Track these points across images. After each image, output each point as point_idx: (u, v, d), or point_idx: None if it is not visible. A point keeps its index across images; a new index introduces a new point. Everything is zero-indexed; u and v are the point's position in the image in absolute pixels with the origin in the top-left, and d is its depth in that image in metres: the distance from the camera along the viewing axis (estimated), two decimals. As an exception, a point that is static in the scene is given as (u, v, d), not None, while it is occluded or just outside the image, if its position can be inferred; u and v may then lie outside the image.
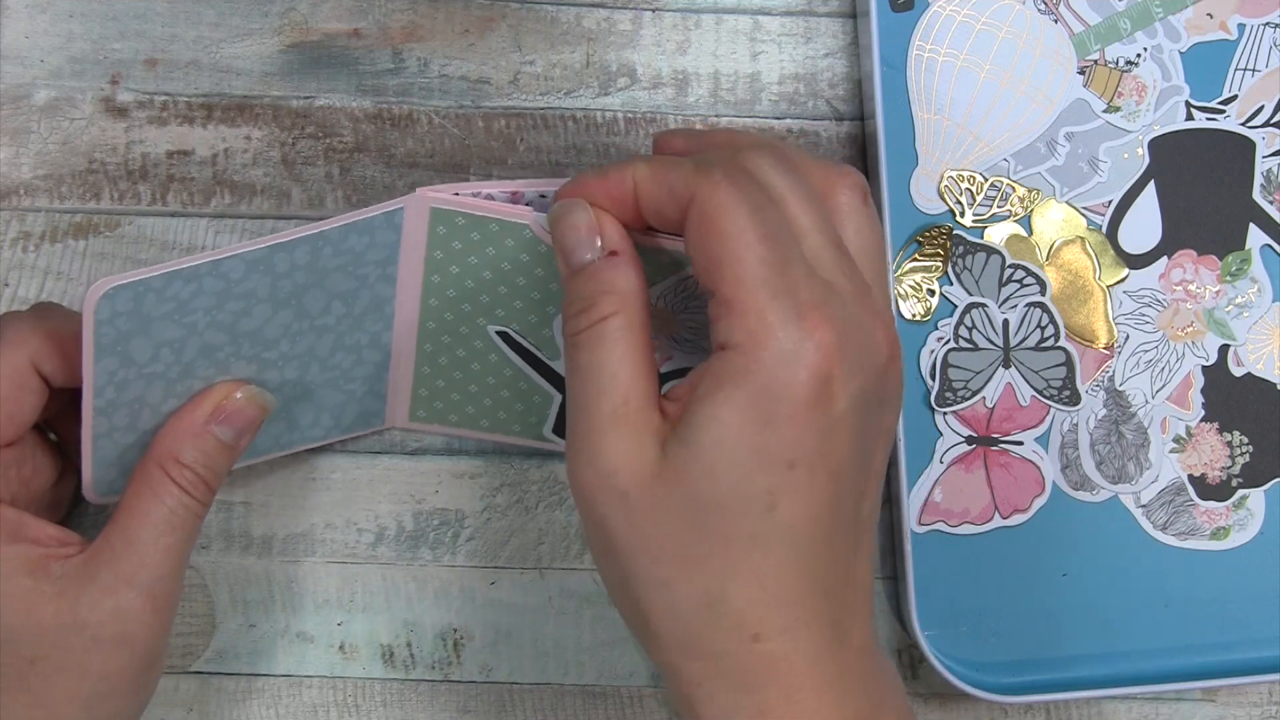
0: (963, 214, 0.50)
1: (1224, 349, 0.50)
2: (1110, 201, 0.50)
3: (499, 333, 0.45)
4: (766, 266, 0.36)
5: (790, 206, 0.37)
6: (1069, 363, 0.50)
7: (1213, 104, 0.51)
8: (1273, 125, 0.51)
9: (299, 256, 0.41)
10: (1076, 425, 0.50)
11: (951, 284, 0.50)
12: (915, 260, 0.50)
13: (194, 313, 0.41)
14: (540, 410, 0.47)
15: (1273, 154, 0.51)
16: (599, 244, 0.38)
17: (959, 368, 0.50)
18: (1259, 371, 0.50)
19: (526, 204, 0.43)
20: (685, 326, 0.44)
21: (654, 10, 0.51)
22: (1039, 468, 0.50)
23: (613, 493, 0.36)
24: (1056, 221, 0.50)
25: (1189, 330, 0.50)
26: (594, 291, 0.38)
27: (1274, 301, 0.51)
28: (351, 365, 0.45)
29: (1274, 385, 0.50)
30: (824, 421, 0.36)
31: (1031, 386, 0.50)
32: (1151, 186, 0.51)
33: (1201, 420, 0.50)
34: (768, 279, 0.36)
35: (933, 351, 0.50)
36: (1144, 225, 0.50)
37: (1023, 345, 0.50)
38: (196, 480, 0.42)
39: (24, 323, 0.42)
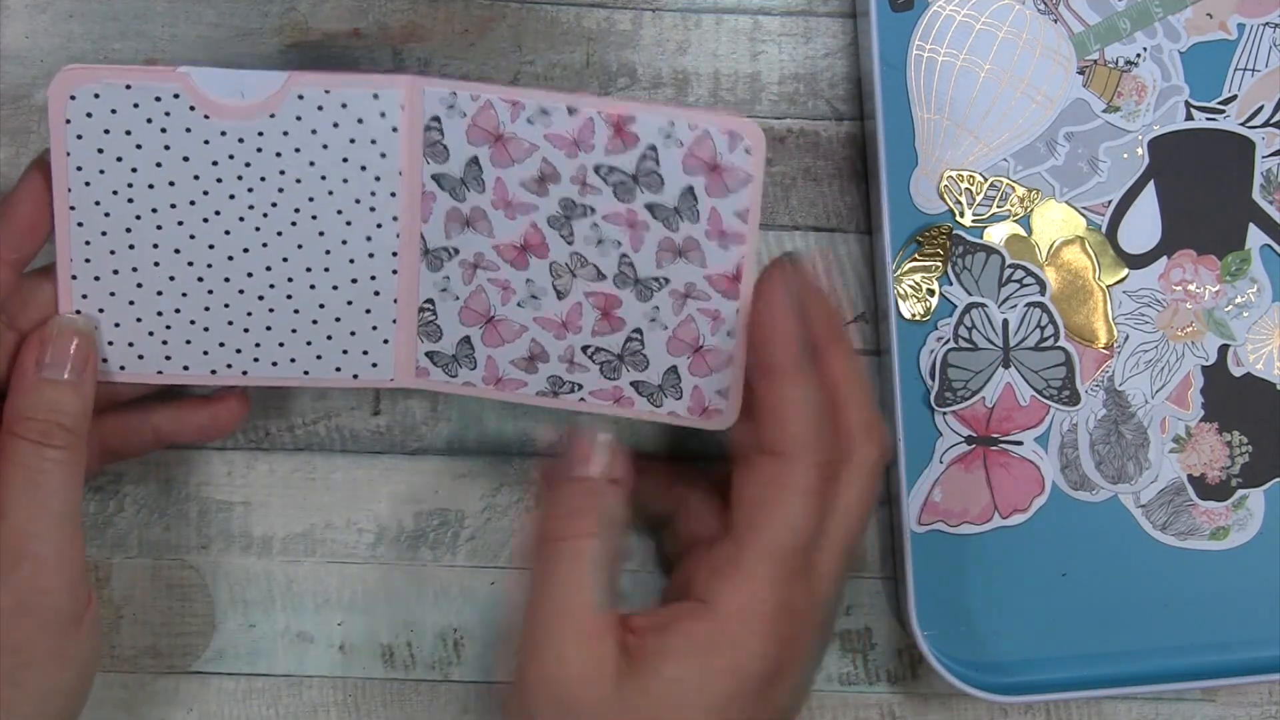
0: (962, 214, 0.50)
1: (1224, 349, 0.50)
2: (1110, 201, 0.51)
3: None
4: (786, 555, 0.38)
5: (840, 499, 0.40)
6: (1069, 363, 0.50)
7: (1212, 104, 0.51)
8: (1272, 125, 0.51)
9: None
10: (1076, 425, 0.50)
11: (951, 284, 0.50)
12: (915, 260, 0.50)
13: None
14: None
15: (1272, 154, 0.51)
16: (606, 467, 0.40)
17: (958, 367, 0.50)
18: (1258, 371, 0.50)
19: (527, 118, 0.43)
20: None
21: (654, 10, 0.51)
22: (1039, 468, 0.50)
23: (560, 706, 0.37)
24: (1056, 221, 0.50)
25: (1189, 330, 0.50)
26: (583, 508, 0.40)
27: (1274, 301, 0.51)
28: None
29: (1273, 385, 0.50)
30: (768, 709, 0.38)
31: (1031, 386, 0.50)
32: (1151, 186, 0.51)
33: (1201, 420, 0.50)
34: (778, 571, 0.38)
35: (932, 351, 0.50)
36: (1144, 225, 0.51)
37: (1022, 345, 0.50)
38: (47, 427, 0.40)
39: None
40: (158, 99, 0.42)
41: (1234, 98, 0.51)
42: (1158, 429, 0.50)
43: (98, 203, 0.43)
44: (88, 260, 0.43)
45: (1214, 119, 0.51)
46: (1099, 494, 0.50)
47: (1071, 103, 0.50)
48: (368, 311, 0.45)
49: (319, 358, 0.45)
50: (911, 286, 0.50)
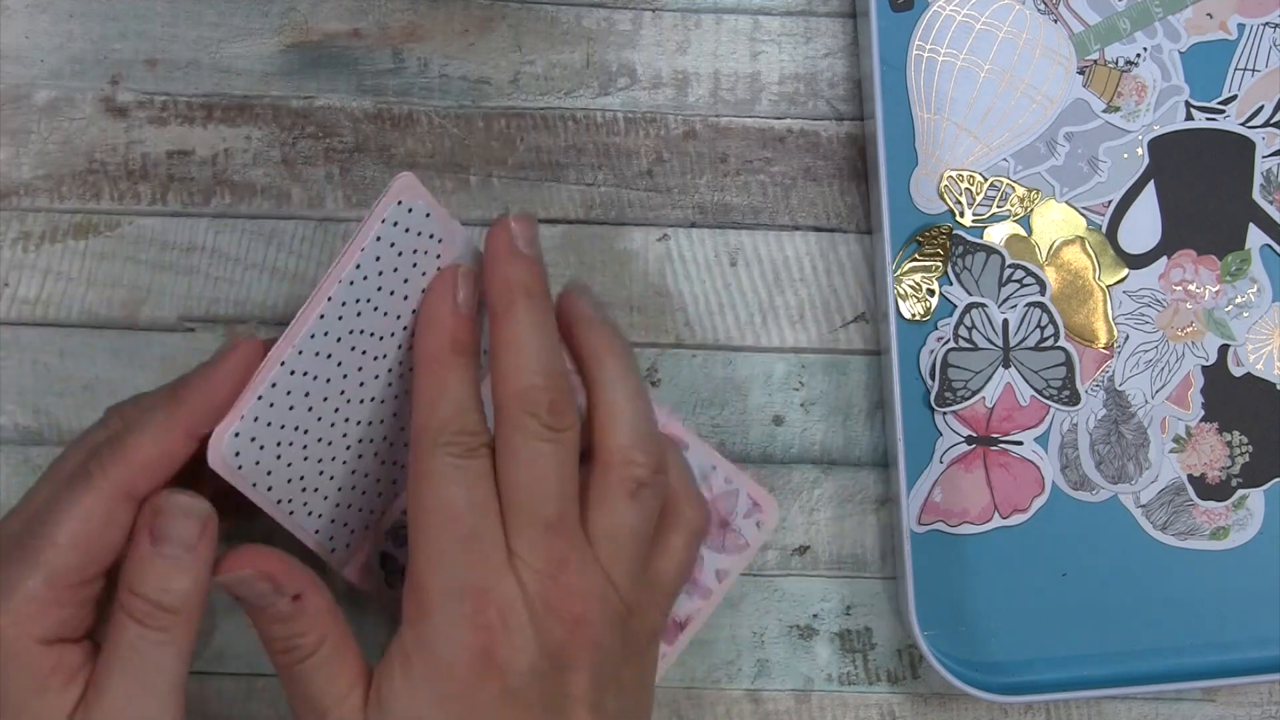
0: (962, 214, 0.50)
1: (1224, 349, 0.50)
2: (1110, 201, 0.51)
3: None
4: (449, 528, 0.38)
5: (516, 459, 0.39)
6: (1069, 363, 0.50)
7: (1212, 104, 0.51)
8: (1272, 125, 0.51)
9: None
10: (1076, 425, 0.50)
11: (951, 284, 0.50)
12: (915, 260, 0.50)
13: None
14: None
15: (1272, 154, 0.51)
16: (283, 591, 0.39)
17: (958, 367, 0.50)
18: (1258, 371, 0.50)
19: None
20: None
21: (654, 10, 0.51)
22: (1039, 468, 0.50)
23: None
24: (1056, 221, 0.50)
25: (1189, 330, 0.50)
26: (290, 634, 0.39)
27: (1274, 301, 0.51)
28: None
29: (1273, 385, 0.50)
30: (494, 694, 0.38)
31: (1031, 386, 0.50)
32: (1151, 186, 0.51)
33: (1201, 420, 0.50)
34: (444, 541, 0.38)
35: (932, 351, 0.50)
36: (1144, 225, 0.51)
37: (1022, 345, 0.50)
38: (150, 609, 0.37)
39: (120, 445, 0.38)
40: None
41: (1234, 98, 0.51)
42: (1158, 429, 0.50)
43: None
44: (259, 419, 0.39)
45: (1214, 119, 0.51)
46: (1099, 494, 0.50)
47: (1071, 103, 0.50)
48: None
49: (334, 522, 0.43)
50: (911, 286, 0.50)
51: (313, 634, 0.39)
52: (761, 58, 0.51)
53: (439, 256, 0.41)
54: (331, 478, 0.41)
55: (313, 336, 0.39)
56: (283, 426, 0.39)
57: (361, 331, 0.40)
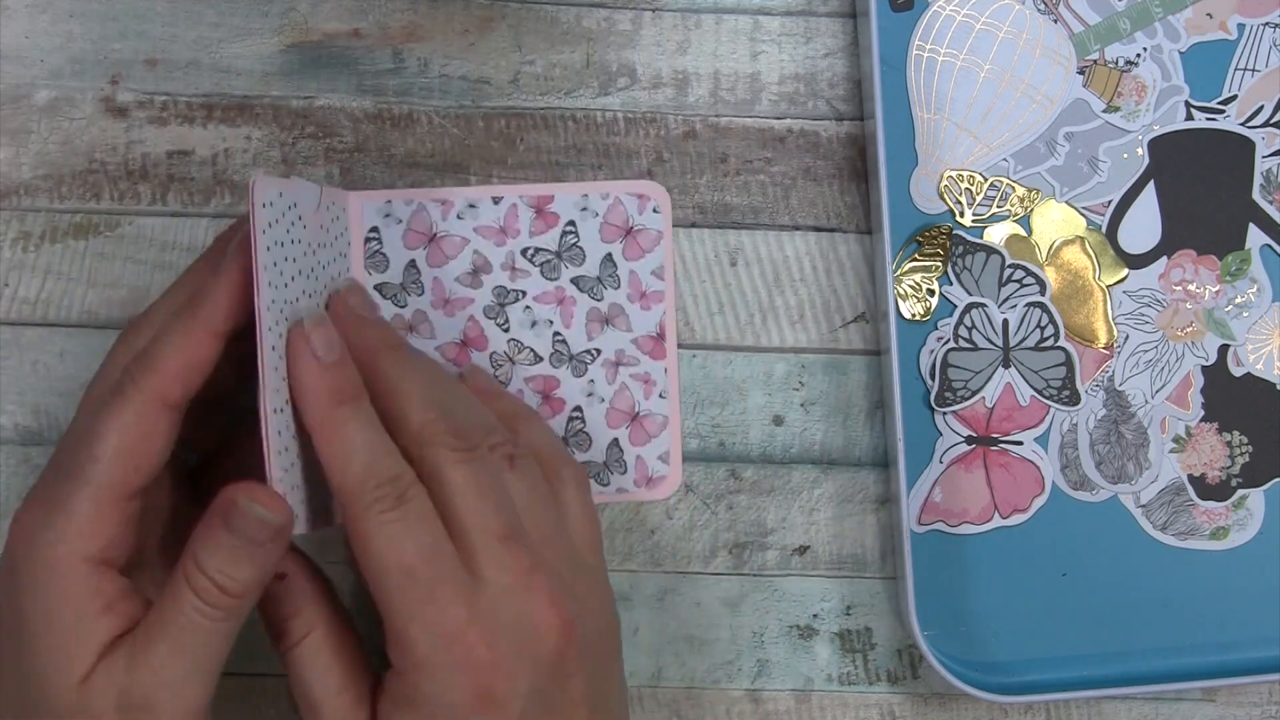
0: (962, 214, 0.50)
1: (1223, 349, 0.50)
2: (1110, 201, 0.51)
3: None
4: (412, 580, 0.37)
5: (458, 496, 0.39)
6: (1068, 363, 0.50)
7: (1212, 104, 0.51)
8: (1272, 125, 0.51)
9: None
10: (1076, 425, 0.50)
11: (951, 284, 0.50)
12: (915, 260, 0.50)
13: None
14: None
15: (1272, 154, 0.51)
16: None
17: (958, 367, 0.50)
18: (1258, 371, 0.50)
19: (457, 214, 0.46)
20: None
21: (654, 10, 0.51)
22: (1039, 468, 0.50)
23: None
24: (1056, 221, 0.50)
25: (1188, 330, 0.50)
26: (279, 615, 0.40)
27: (1273, 301, 0.51)
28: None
29: (1273, 385, 0.50)
30: None
31: (1031, 386, 0.50)
32: (1151, 186, 0.51)
33: (1201, 420, 0.50)
34: (411, 595, 0.38)
35: (932, 351, 0.50)
36: (1144, 225, 0.51)
37: (1022, 345, 0.50)
38: (212, 589, 0.37)
39: (150, 356, 0.39)
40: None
41: (1234, 98, 0.51)
42: (1158, 429, 0.50)
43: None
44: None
45: (1214, 119, 0.51)
46: (1099, 494, 0.50)
47: (1071, 103, 0.50)
48: None
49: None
50: (911, 286, 0.50)
51: (300, 618, 0.39)
52: (761, 58, 0.51)
53: (300, 217, 0.42)
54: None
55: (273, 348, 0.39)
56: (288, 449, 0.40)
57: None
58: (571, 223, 0.47)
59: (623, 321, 0.47)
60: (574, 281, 0.47)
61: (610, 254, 0.47)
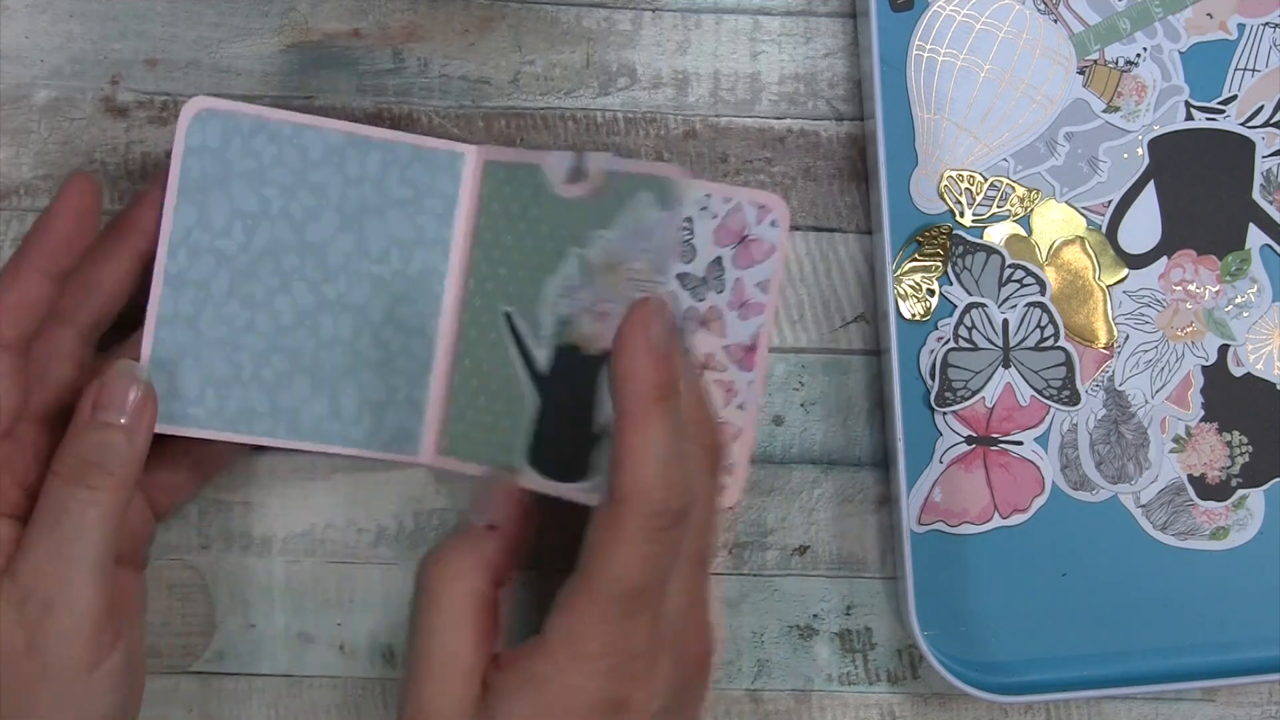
0: (962, 214, 0.50)
1: (1223, 349, 0.50)
2: (1110, 201, 0.51)
3: (505, 314, 0.45)
4: (614, 597, 0.38)
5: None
6: (1068, 363, 0.50)
7: (1212, 104, 0.51)
8: (1272, 125, 0.51)
9: (370, 165, 0.44)
10: (1076, 425, 0.50)
11: (951, 284, 0.50)
12: (915, 260, 0.50)
13: (270, 185, 0.42)
14: (515, 430, 0.45)
15: (1272, 154, 0.51)
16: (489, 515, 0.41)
17: (958, 368, 0.50)
18: (1258, 371, 0.50)
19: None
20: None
21: (654, 10, 0.51)
22: (1038, 468, 0.50)
23: None
24: (1056, 221, 0.50)
25: (1188, 330, 0.50)
26: (468, 547, 0.41)
27: (1274, 301, 0.51)
28: (399, 350, 0.45)
29: (1273, 385, 0.50)
30: None
31: (1031, 386, 0.50)
32: (1151, 186, 0.51)
33: (1201, 420, 0.50)
34: (607, 610, 0.38)
35: (932, 351, 0.50)
36: (1144, 225, 0.51)
37: (1022, 345, 0.50)
38: (79, 465, 0.38)
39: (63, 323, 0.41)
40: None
41: (1234, 98, 0.51)
42: (1158, 429, 0.50)
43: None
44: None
45: (1214, 119, 0.51)
46: (1099, 494, 0.50)
47: (1071, 103, 0.50)
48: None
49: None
50: (911, 286, 0.50)
51: (478, 573, 0.40)
52: (761, 58, 0.51)
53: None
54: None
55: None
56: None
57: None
58: (689, 219, 0.46)
59: (719, 327, 0.46)
60: (679, 278, 0.46)
61: (720, 258, 0.46)
